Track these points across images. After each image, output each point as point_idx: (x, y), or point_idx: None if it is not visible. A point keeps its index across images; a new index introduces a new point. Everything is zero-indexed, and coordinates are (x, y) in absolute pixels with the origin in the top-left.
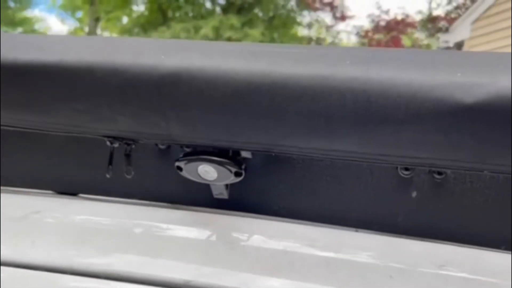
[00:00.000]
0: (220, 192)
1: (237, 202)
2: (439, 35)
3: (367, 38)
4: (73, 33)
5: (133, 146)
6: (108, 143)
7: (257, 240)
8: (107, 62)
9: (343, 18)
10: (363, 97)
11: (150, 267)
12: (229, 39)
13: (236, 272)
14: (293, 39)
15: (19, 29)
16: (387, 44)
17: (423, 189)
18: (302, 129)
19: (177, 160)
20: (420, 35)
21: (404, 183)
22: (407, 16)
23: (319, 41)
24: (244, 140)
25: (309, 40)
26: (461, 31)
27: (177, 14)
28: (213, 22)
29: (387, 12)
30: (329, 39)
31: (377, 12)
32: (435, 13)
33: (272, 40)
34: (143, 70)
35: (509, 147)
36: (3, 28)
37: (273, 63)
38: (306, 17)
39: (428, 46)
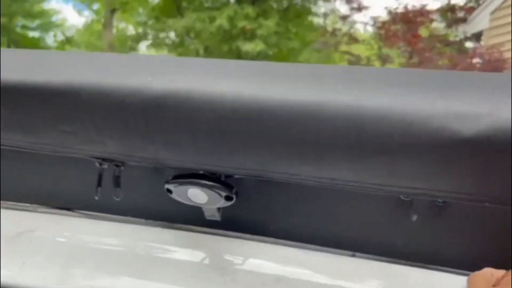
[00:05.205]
0: (212, 214)
1: (230, 223)
2: (458, 25)
3: (383, 29)
4: (90, 25)
5: (122, 168)
6: (97, 164)
7: (249, 263)
8: (93, 84)
9: (359, 8)
10: (355, 126)
11: None
12: (243, 30)
13: None
14: (308, 29)
15: (37, 21)
16: (404, 35)
17: (424, 213)
18: (292, 156)
19: (167, 182)
20: (438, 26)
21: (404, 206)
22: (425, 6)
23: (334, 31)
24: (232, 166)
25: (324, 30)
26: (479, 22)
27: (191, 6)
28: (227, 11)
29: (405, 4)
30: (344, 30)
31: (394, 4)
32: (453, 2)
33: (287, 30)
34: (128, 93)
35: (510, 180)
36: (22, 21)
37: (263, 86)
38: (321, 7)
39: (445, 36)
